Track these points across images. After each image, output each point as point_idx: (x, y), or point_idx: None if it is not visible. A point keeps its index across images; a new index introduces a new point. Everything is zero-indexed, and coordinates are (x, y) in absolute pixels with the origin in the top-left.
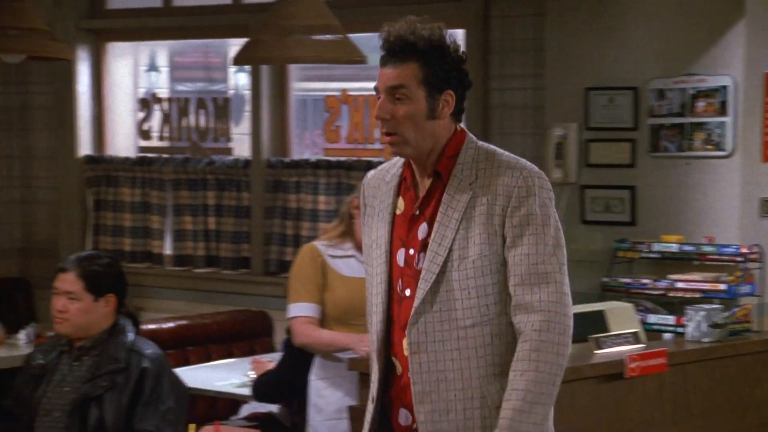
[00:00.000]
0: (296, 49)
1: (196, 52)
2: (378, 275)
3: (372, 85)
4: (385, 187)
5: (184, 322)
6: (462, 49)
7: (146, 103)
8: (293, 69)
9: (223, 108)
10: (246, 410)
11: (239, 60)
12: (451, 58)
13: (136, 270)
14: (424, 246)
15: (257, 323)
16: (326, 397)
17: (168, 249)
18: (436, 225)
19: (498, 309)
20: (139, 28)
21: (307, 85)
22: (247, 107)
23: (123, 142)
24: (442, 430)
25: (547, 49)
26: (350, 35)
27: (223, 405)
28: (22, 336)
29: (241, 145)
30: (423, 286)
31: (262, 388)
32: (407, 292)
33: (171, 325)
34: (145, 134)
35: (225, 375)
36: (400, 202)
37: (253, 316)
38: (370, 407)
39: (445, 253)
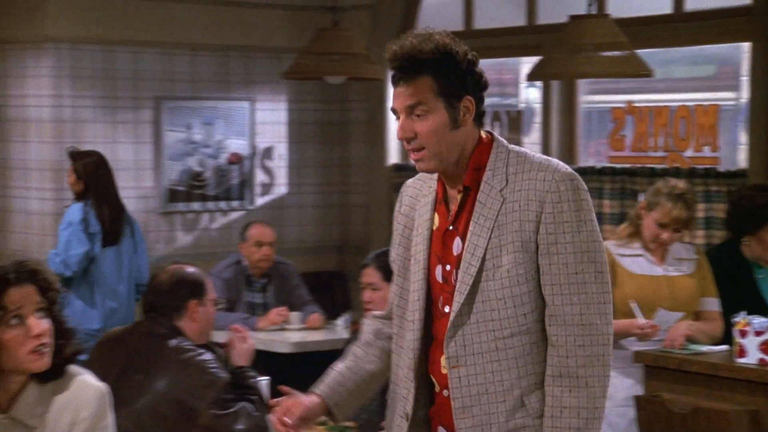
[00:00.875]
0: (586, 65)
1: (491, 70)
2: (416, 291)
3: (656, 97)
4: (423, 200)
5: None
6: (472, 52)
7: None
8: (581, 83)
9: (515, 120)
10: None
11: (532, 76)
12: (463, 64)
13: None
14: (458, 261)
15: None
16: (616, 385)
17: None
18: (468, 234)
19: (535, 317)
20: None
21: (593, 97)
22: (537, 119)
23: None
24: None
25: None
26: (637, 50)
27: None
28: (339, 322)
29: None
30: (458, 299)
31: None
32: (446, 309)
33: None
34: None
35: None
36: (435, 218)
37: None
38: (404, 425)
39: (479, 263)
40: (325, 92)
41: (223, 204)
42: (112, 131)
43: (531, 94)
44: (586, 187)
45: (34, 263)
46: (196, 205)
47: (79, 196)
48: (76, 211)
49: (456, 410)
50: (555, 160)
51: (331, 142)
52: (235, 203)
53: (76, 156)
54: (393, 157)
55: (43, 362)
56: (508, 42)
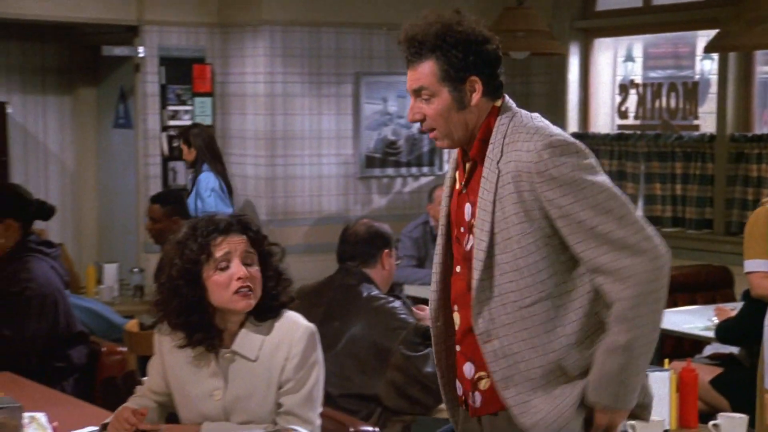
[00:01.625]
0: (763, 37)
1: (668, 43)
2: (439, 245)
3: None
4: (453, 154)
5: None
6: (480, 28)
7: (624, 88)
8: (758, 54)
9: (691, 91)
10: (709, 350)
11: (710, 48)
12: (466, 43)
13: None
14: (470, 227)
15: (718, 277)
16: None
17: (640, 211)
18: (477, 210)
19: (554, 281)
20: (622, 25)
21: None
22: (712, 89)
23: (603, 121)
24: (533, 409)
25: None
26: None
27: (687, 345)
28: None
29: (706, 123)
30: (477, 275)
31: (725, 332)
32: (458, 269)
33: None
34: (622, 114)
35: (690, 319)
36: (457, 177)
37: (714, 270)
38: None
39: (488, 238)
40: (509, 67)
41: (414, 170)
42: (317, 104)
43: (706, 66)
44: (576, 147)
45: (248, 218)
46: (390, 171)
47: (193, 164)
48: (211, 178)
49: (498, 383)
50: (545, 128)
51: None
52: (425, 169)
53: (182, 133)
54: (572, 126)
55: (246, 303)
56: (685, 17)
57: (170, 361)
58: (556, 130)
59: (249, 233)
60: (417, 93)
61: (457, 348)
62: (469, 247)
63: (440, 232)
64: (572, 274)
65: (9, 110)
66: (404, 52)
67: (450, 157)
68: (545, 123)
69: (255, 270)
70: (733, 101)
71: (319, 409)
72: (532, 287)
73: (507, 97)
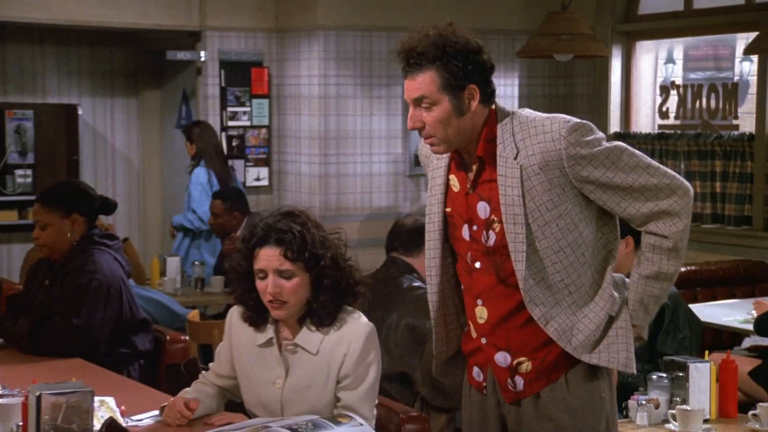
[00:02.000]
0: None
1: (707, 45)
2: (431, 249)
3: None
4: (435, 162)
5: (693, 267)
6: (474, 38)
7: (665, 89)
8: None
9: (730, 92)
10: (747, 342)
11: (749, 50)
12: (464, 53)
13: None
14: (488, 224)
15: (757, 271)
16: None
17: None
18: (502, 207)
19: (592, 251)
20: (663, 28)
21: None
22: (752, 90)
23: (645, 121)
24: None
25: None
26: None
27: (727, 337)
28: None
29: (745, 122)
30: (521, 267)
31: (763, 325)
32: (477, 265)
33: (682, 269)
34: (663, 114)
35: (729, 312)
36: (454, 180)
37: (753, 265)
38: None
39: (524, 230)
40: (553, 69)
41: None
42: (369, 105)
43: (745, 68)
44: (590, 125)
45: (287, 225)
46: None
47: (193, 158)
48: (202, 173)
49: (573, 351)
50: (556, 116)
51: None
52: None
53: (186, 129)
54: (614, 125)
55: (277, 313)
56: (725, 20)
57: (238, 346)
58: (564, 115)
59: (284, 245)
60: (417, 102)
61: (483, 341)
62: (491, 242)
63: (432, 235)
64: (603, 239)
65: (80, 112)
66: (402, 62)
67: (430, 165)
68: (547, 114)
69: (290, 284)
70: None
71: (375, 407)
72: (576, 264)
73: (498, 102)
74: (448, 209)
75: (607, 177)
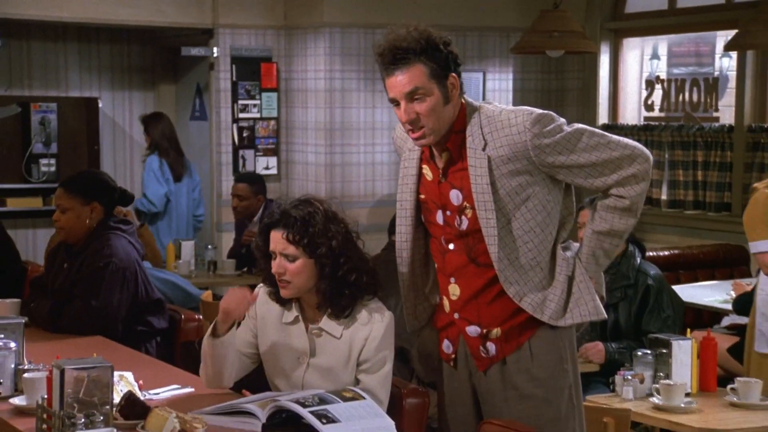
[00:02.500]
0: None
1: (690, 42)
2: (403, 234)
3: None
4: (408, 153)
5: (676, 251)
6: (445, 35)
7: (650, 83)
8: None
9: (711, 86)
10: (726, 321)
11: (729, 47)
12: (442, 44)
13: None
14: (460, 210)
15: (736, 255)
16: None
17: (664, 195)
18: (474, 195)
19: (557, 226)
20: (648, 26)
21: None
22: (731, 84)
23: (631, 113)
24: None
25: None
26: None
27: (707, 316)
28: None
29: (725, 115)
30: (494, 249)
31: (741, 305)
32: (450, 246)
33: (666, 253)
34: (648, 107)
35: (710, 293)
36: (427, 170)
37: (732, 249)
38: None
39: (494, 215)
40: (545, 64)
41: None
42: (372, 98)
43: (725, 63)
44: (551, 114)
45: (294, 211)
46: None
47: (149, 147)
48: (155, 161)
49: (549, 320)
50: (518, 110)
51: (549, 107)
52: None
53: (145, 120)
54: (603, 117)
55: (283, 292)
56: (706, 18)
57: (262, 322)
58: (527, 107)
59: (288, 229)
60: (410, 95)
61: (456, 315)
62: (464, 226)
63: (404, 221)
64: (563, 213)
65: (100, 105)
66: (388, 60)
67: (404, 152)
68: (511, 107)
69: (292, 266)
70: (750, 95)
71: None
72: (545, 241)
73: (465, 95)
74: (422, 196)
75: (572, 159)
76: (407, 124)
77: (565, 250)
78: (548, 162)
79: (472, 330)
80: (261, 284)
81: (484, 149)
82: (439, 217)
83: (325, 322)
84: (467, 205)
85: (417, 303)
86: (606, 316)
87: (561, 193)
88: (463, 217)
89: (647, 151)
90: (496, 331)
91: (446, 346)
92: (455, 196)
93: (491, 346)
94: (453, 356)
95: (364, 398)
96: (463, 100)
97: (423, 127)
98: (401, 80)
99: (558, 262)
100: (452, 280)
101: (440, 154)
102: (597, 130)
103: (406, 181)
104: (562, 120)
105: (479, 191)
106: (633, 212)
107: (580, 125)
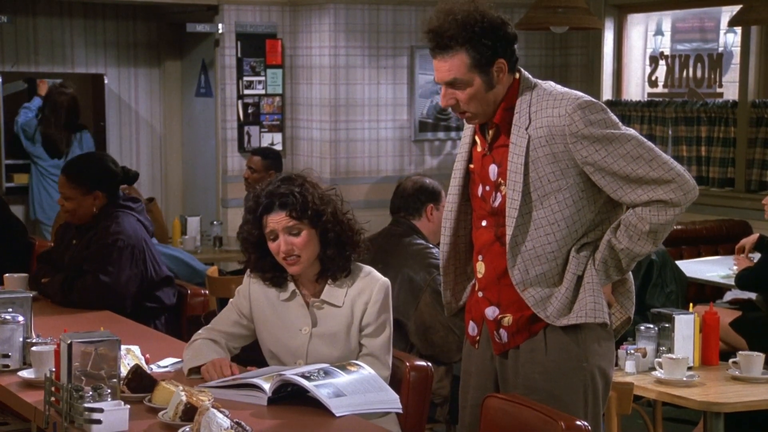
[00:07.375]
0: None
1: (694, 18)
2: (450, 203)
3: None
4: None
5: (680, 227)
6: (497, 13)
7: (654, 59)
8: None
9: (715, 62)
10: (729, 296)
11: (733, 22)
12: (491, 31)
13: None
14: (496, 186)
15: (739, 230)
16: None
17: None
18: (508, 173)
19: (585, 230)
20: (653, 2)
21: None
22: (735, 60)
23: (635, 89)
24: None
25: None
26: None
27: (709, 291)
28: None
29: (729, 91)
30: (510, 231)
31: (743, 279)
32: (483, 223)
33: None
34: (652, 83)
35: (713, 268)
36: (478, 141)
37: (735, 224)
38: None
39: (520, 197)
40: (550, 40)
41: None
42: (376, 75)
43: (729, 39)
44: (600, 105)
45: (288, 190)
46: (441, 134)
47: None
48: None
49: (547, 318)
50: (569, 93)
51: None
52: None
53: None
54: (607, 93)
55: (293, 268)
56: None
57: (258, 305)
58: (579, 93)
59: (288, 207)
60: (450, 84)
61: (480, 294)
62: (497, 204)
63: (453, 189)
64: (598, 219)
65: (106, 81)
66: (431, 43)
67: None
68: (566, 89)
69: (299, 239)
70: (755, 71)
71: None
72: (568, 238)
73: (523, 70)
74: (471, 166)
75: (606, 162)
76: (449, 107)
77: (581, 250)
78: (582, 155)
79: (491, 311)
80: (248, 274)
81: (527, 128)
82: (480, 191)
83: (327, 293)
84: (502, 181)
85: (457, 280)
86: (608, 320)
87: (600, 196)
88: (498, 194)
89: (692, 182)
90: (507, 319)
91: (471, 328)
92: (493, 171)
93: (503, 333)
94: (477, 338)
95: (368, 372)
96: (517, 75)
97: (466, 111)
98: (441, 67)
99: (570, 260)
100: (480, 257)
101: (489, 128)
102: (649, 143)
103: (461, 149)
104: (614, 118)
105: (513, 170)
106: (652, 240)
107: (634, 132)
